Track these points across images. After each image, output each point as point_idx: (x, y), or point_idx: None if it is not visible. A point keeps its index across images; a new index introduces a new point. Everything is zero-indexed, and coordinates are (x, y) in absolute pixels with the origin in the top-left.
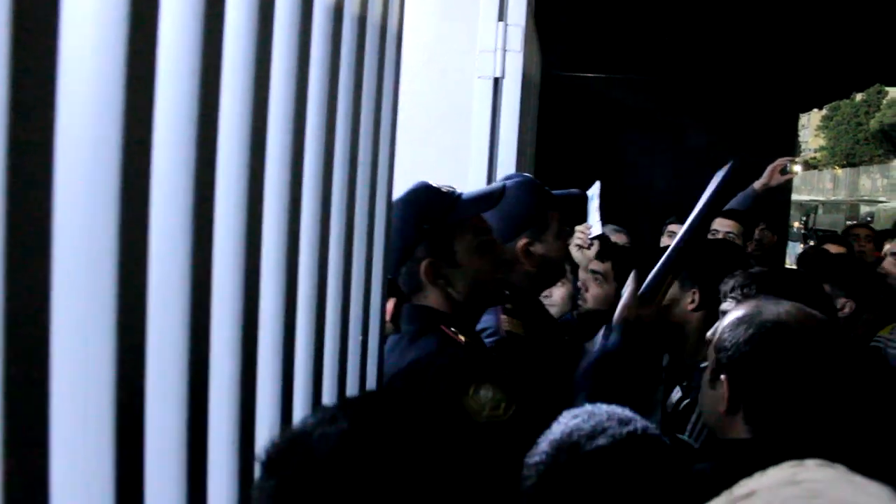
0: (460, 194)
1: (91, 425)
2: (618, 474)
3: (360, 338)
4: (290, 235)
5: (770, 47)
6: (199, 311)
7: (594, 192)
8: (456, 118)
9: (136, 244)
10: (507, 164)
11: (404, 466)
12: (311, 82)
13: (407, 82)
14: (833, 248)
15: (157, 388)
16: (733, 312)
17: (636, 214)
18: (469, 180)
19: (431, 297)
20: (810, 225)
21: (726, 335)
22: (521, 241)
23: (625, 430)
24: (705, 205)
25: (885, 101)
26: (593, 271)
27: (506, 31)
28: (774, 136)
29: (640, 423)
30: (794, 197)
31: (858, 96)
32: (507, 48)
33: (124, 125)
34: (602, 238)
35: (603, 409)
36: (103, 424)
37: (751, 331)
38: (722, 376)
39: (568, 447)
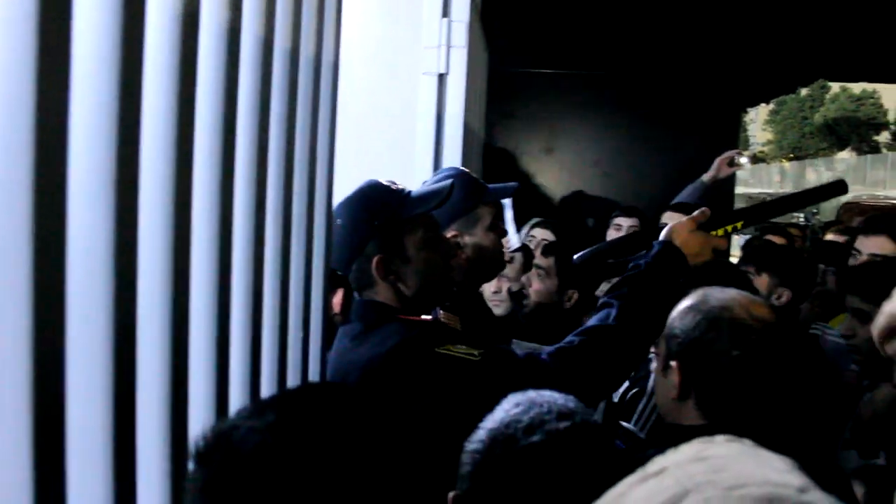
0: (410, 192)
1: (8, 426)
2: (551, 471)
3: (301, 333)
4: (221, 231)
5: (715, 43)
6: (124, 307)
7: (507, 202)
8: (402, 115)
9: (55, 242)
10: (452, 161)
11: (331, 461)
12: (241, 77)
13: (353, 79)
14: (776, 240)
15: (79, 387)
16: (682, 302)
17: (583, 208)
18: (415, 176)
19: (382, 293)
20: None
21: (676, 324)
22: (449, 233)
23: (562, 425)
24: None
25: (828, 96)
26: (537, 266)
27: (450, 27)
28: (719, 130)
29: (580, 416)
30: (744, 190)
31: (803, 91)
32: (451, 44)
33: (42, 127)
34: (523, 249)
35: (546, 399)
36: (21, 424)
37: (699, 318)
38: (673, 363)
39: (503, 440)
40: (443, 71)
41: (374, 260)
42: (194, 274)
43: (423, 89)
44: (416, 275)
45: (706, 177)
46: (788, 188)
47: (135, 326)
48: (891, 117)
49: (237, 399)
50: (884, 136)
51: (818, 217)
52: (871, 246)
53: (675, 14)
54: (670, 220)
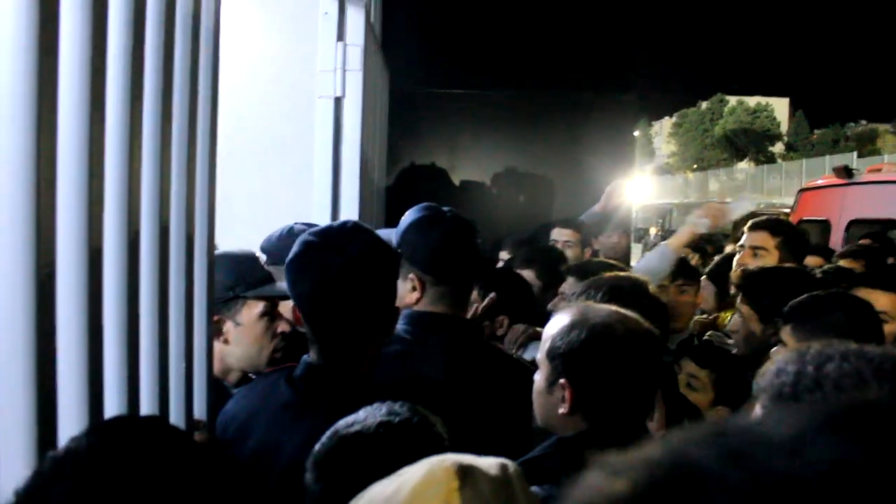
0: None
1: None
2: (368, 458)
3: (184, 363)
4: (90, 264)
5: (613, 61)
6: None
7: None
8: (300, 138)
9: None
10: (350, 183)
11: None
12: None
13: (251, 104)
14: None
15: None
16: (558, 320)
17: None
18: (313, 200)
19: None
20: (666, 227)
21: (559, 342)
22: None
23: (379, 420)
24: None
25: (726, 109)
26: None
27: (345, 51)
28: (614, 148)
29: (409, 417)
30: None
31: (703, 105)
32: (347, 68)
33: None
34: None
35: (392, 403)
36: None
37: (584, 334)
38: (561, 380)
39: (332, 432)
40: (339, 94)
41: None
42: (61, 308)
43: (319, 113)
44: None
45: (597, 207)
46: (693, 198)
47: None
48: (783, 129)
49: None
50: (778, 147)
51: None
52: (754, 240)
53: (574, 34)
54: (559, 236)
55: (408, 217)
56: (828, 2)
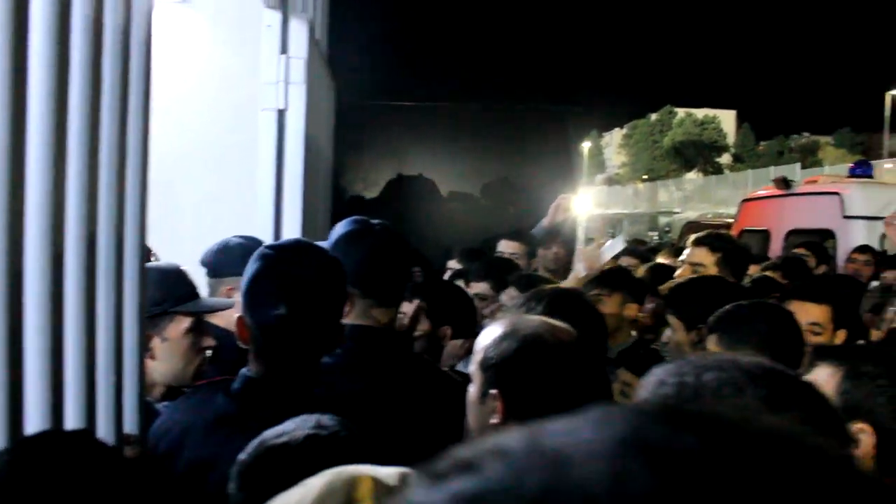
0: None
1: None
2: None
3: (114, 377)
4: (10, 280)
5: (561, 75)
6: None
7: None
8: (244, 150)
9: None
10: (293, 195)
11: None
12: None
13: (196, 115)
14: (628, 261)
15: None
16: (490, 331)
17: (428, 240)
18: (257, 212)
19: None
20: (616, 236)
21: (491, 353)
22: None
23: (307, 433)
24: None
25: (675, 121)
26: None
27: (288, 63)
28: (560, 160)
29: (337, 430)
30: (603, 211)
31: (653, 116)
32: (289, 80)
33: None
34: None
35: (321, 416)
36: None
37: (514, 345)
38: (493, 391)
39: (258, 442)
40: (282, 107)
41: None
42: None
43: (262, 125)
44: None
45: (545, 222)
46: (643, 208)
47: None
48: (730, 141)
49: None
50: (725, 158)
51: (671, 235)
52: (693, 257)
53: (522, 48)
54: (506, 248)
55: (337, 230)
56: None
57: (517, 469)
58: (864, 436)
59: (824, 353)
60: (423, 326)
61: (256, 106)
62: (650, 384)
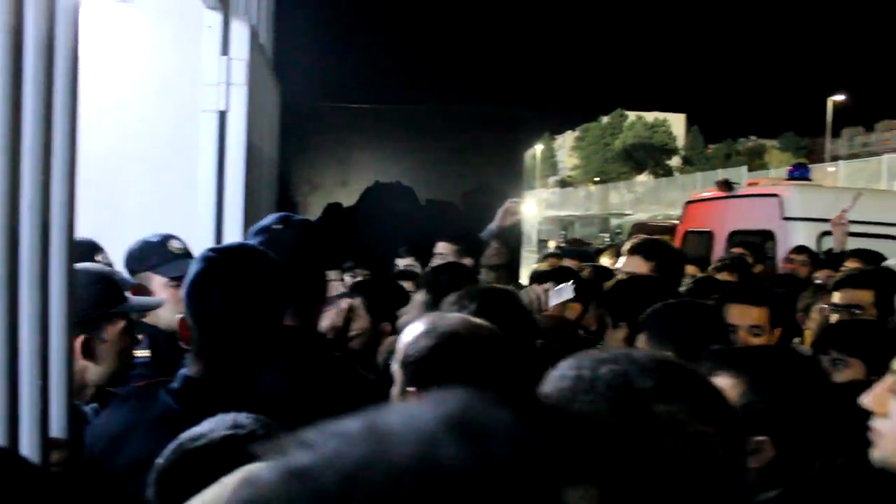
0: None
1: None
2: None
3: (39, 382)
4: None
5: (509, 78)
6: None
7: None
8: (185, 152)
9: None
10: (234, 197)
11: None
12: None
13: (138, 117)
14: (570, 263)
15: None
16: (411, 330)
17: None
18: (198, 213)
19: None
20: (569, 238)
21: (411, 350)
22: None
23: (224, 433)
24: None
25: (626, 124)
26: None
27: (229, 64)
28: (504, 163)
29: (255, 429)
30: (554, 213)
31: (604, 119)
32: (231, 81)
33: None
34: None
35: (238, 415)
36: None
37: (432, 343)
38: (411, 388)
39: (176, 445)
40: (223, 108)
41: None
42: None
43: (203, 127)
44: None
45: (493, 226)
46: (594, 210)
47: None
48: (680, 144)
49: None
50: (675, 161)
51: (621, 237)
52: (628, 265)
53: (469, 50)
54: (444, 250)
55: (251, 232)
56: (721, 26)
57: (344, 445)
58: (764, 448)
59: (724, 362)
60: (362, 323)
61: (197, 107)
62: (552, 378)
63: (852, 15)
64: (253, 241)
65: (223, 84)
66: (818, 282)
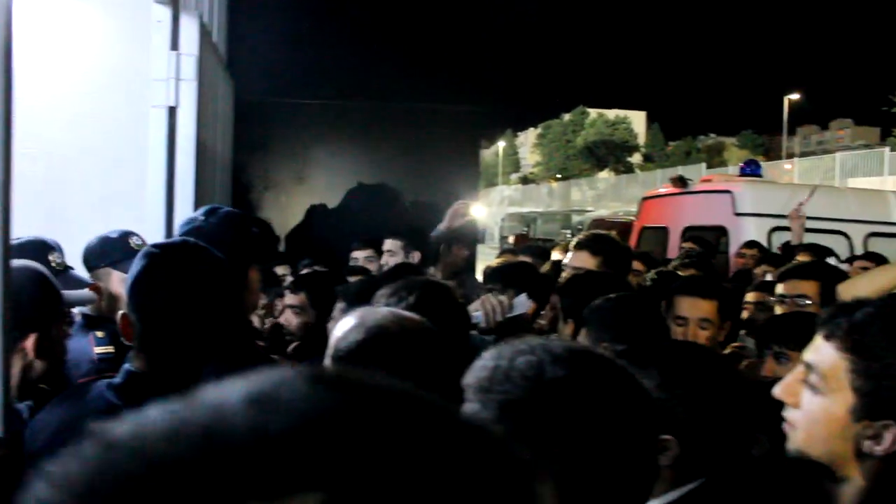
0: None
1: None
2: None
3: None
4: None
5: (466, 76)
6: None
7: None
8: (135, 148)
9: None
10: (185, 193)
11: None
12: None
13: (86, 113)
14: (526, 259)
15: None
16: (341, 325)
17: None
18: (146, 209)
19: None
20: (531, 234)
21: (340, 345)
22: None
23: None
24: None
25: (587, 122)
26: (291, 306)
27: (178, 60)
28: (461, 161)
29: None
30: (517, 209)
31: (566, 116)
32: (180, 77)
33: None
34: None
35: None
36: None
37: (360, 337)
38: None
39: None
40: (172, 104)
41: None
42: None
43: (153, 123)
44: None
45: (442, 226)
46: (556, 206)
47: None
48: (641, 141)
49: None
50: (636, 158)
51: (583, 233)
52: (575, 261)
53: (431, 46)
54: (392, 246)
55: (186, 219)
56: (681, 25)
57: (166, 410)
58: (670, 446)
59: (632, 359)
60: (305, 318)
61: (147, 103)
62: (475, 367)
63: (807, 16)
64: (179, 232)
65: (172, 80)
66: (767, 278)
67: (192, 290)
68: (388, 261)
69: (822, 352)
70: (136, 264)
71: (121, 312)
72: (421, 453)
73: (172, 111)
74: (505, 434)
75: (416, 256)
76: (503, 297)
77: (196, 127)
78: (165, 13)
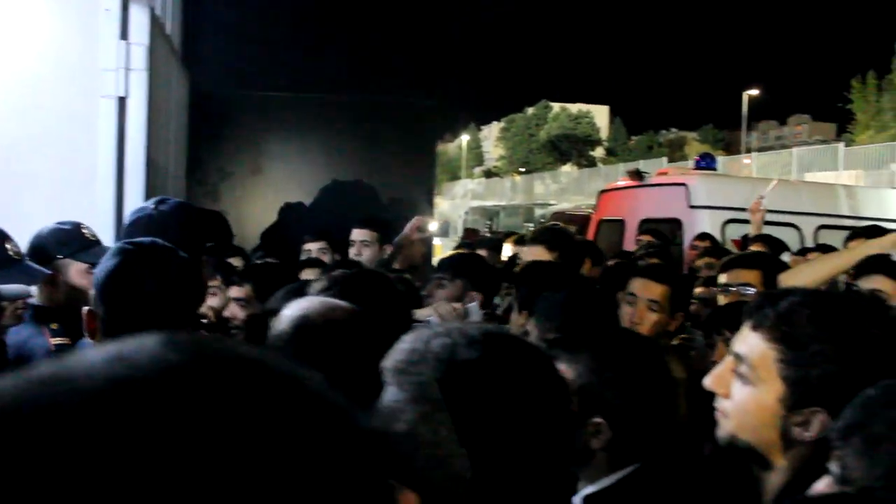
0: None
1: None
2: None
3: None
4: None
5: (421, 65)
6: None
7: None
8: (84, 138)
9: None
10: (135, 184)
11: None
12: None
13: (35, 103)
14: (482, 252)
15: None
16: (278, 319)
17: (284, 230)
18: (96, 198)
19: None
20: (494, 228)
21: (272, 338)
22: None
23: None
24: None
25: (550, 115)
26: (237, 298)
27: (128, 49)
28: (419, 157)
29: None
30: (479, 203)
31: (530, 110)
32: (130, 67)
33: None
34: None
35: None
36: None
37: (286, 329)
38: None
39: None
40: (122, 94)
41: None
42: None
43: (102, 112)
44: None
45: (400, 238)
46: (519, 200)
47: None
48: (603, 135)
49: None
50: (599, 152)
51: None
52: (529, 254)
53: (386, 37)
54: (365, 237)
55: (136, 208)
56: (642, 21)
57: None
58: (601, 429)
59: (563, 345)
60: (251, 310)
61: (97, 93)
62: (394, 350)
63: (767, 13)
64: (129, 220)
65: (122, 69)
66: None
67: (165, 287)
68: (362, 251)
69: (750, 342)
70: (110, 260)
71: (86, 309)
72: (238, 412)
73: (122, 101)
74: (350, 407)
75: (388, 250)
76: (458, 305)
77: (147, 117)
78: (114, 2)
